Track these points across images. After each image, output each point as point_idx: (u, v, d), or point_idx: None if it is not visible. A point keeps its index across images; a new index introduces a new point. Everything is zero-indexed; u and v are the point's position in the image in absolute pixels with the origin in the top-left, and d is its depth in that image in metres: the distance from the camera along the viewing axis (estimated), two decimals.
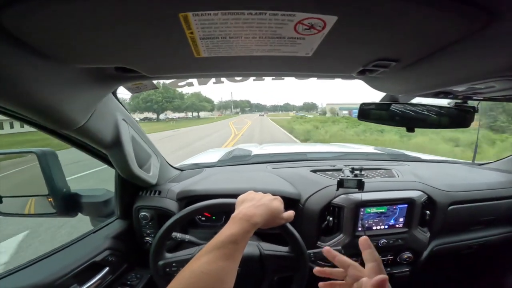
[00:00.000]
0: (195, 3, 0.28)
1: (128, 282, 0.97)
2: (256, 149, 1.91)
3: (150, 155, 1.04)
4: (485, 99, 0.66)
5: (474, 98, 0.66)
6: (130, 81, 0.60)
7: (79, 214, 0.99)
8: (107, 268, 0.88)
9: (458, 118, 0.73)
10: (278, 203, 0.67)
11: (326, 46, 0.39)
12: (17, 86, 0.40)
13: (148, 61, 0.47)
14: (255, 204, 0.63)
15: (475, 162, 1.59)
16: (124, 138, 0.78)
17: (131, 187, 1.04)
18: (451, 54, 0.41)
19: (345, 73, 0.57)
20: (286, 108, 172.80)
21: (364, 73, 0.54)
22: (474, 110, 0.71)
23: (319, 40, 0.37)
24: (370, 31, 0.35)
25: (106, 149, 0.79)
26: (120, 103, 0.80)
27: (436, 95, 0.65)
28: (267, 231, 0.72)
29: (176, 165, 1.40)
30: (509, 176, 1.35)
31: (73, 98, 0.52)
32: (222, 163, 1.51)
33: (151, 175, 1.00)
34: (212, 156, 1.83)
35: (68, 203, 0.94)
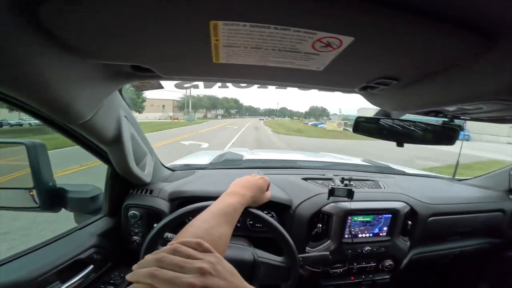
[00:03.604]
0: (227, 13, 0.30)
1: (112, 281, 0.94)
2: (247, 154, 1.92)
3: (146, 153, 1.03)
4: (472, 119, 0.71)
5: (461, 117, 0.70)
6: (142, 79, 0.60)
7: None
8: (91, 266, 0.86)
9: (443, 135, 0.76)
10: (262, 181, 0.80)
11: (337, 63, 0.42)
12: (34, 75, 0.40)
13: (166, 62, 0.48)
14: (243, 184, 0.76)
15: (455, 178, 1.67)
16: (125, 135, 0.78)
17: (122, 185, 1.03)
18: (447, 76, 0.44)
19: (349, 87, 0.60)
20: (283, 113, 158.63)
21: (365, 89, 0.57)
22: (460, 128, 0.75)
23: (332, 57, 0.40)
24: (380, 51, 0.38)
25: (107, 145, 0.78)
26: (124, 100, 0.80)
27: (427, 113, 0.69)
28: (261, 236, 0.73)
29: (167, 165, 1.39)
30: (485, 192, 1.44)
31: (84, 92, 0.52)
32: (213, 165, 1.51)
33: (146, 173, 1.00)
34: (203, 158, 1.83)
35: (52, 198, 0.91)
